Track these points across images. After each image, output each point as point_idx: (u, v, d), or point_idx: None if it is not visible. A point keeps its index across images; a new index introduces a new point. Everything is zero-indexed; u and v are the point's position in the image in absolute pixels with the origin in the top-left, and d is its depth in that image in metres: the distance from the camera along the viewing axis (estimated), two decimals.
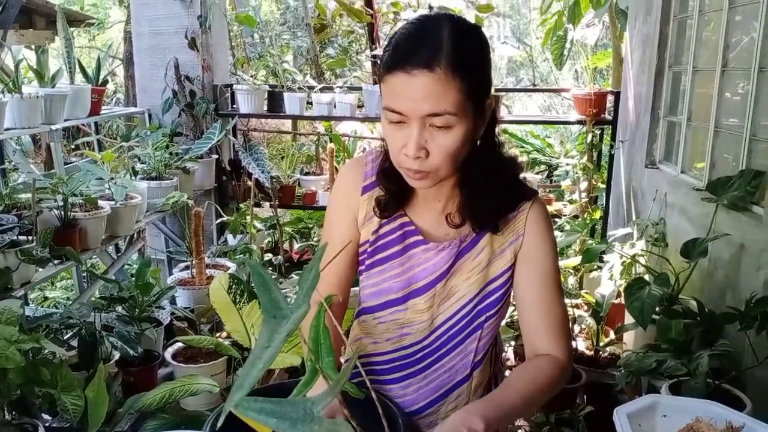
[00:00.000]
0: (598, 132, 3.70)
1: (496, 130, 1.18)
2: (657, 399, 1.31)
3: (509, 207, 1.19)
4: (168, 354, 2.71)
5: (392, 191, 1.20)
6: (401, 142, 1.05)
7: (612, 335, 3.01)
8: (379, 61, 1.09)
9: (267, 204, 3.95)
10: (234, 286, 2.20)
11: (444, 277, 1.20)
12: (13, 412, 1.81)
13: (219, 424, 0.66)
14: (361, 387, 1.24)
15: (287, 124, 7.26)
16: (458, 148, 1.05)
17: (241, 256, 3.34)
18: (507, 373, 1.40)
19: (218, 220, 3.90)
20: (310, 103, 3.99)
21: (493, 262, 1.20)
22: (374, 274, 1.24)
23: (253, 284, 0.72)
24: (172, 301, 3.16)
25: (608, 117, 3.80)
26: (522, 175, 1.25)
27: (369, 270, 1.25)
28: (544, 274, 1.20)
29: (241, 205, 3.84)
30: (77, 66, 3.39)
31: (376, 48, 6.54)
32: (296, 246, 4.29)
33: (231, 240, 3.85)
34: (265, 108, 4.04)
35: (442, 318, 1.23)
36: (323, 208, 4.15)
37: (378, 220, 1.23)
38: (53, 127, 3.02)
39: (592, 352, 2.93)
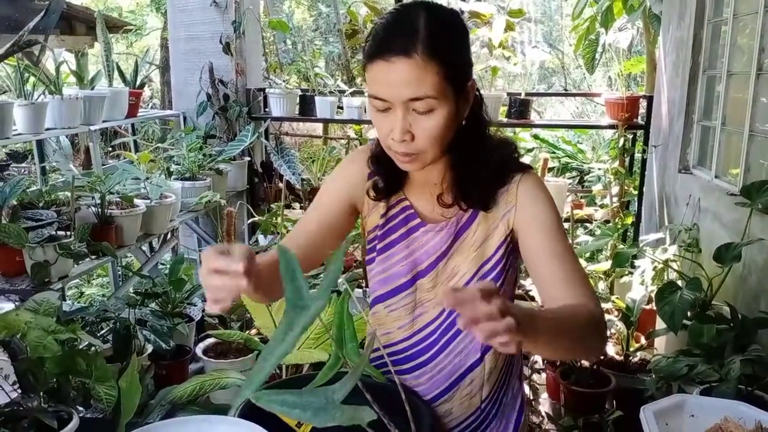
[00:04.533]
0: (630, 136, 3.66)
1: (483, 111, 1.22)
2: (685, 398, 1.30)
3: (498, 183, 1.20)
4: (199, 349, 2.75)
5: (384, 175, 1.25)
6: (388, 127, 1.10)
7: (643, 341, 2.97)
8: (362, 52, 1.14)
9: (297, 205, 4.00)
10: None
11: (445, 257, 1.23)
12: (50, 401, 1.85)
13: (234, 414, 0.67)
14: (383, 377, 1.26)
15: (318, 130, 7.33)
16: (441, 131, 1.09)
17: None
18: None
19: (250, 221, 3.95)
20: (341, 108, 4.03)
21: (488, 240, 1.22)
22: (383, 259, 1.28)
23: (280, 269, 0.73)
24: (204, 299, 3.21)
25: (641, 122, 3.76)
26: (524, 159, 1.30)
27: (380, 255, 1.28)
28: (548, 231, 1.16)
29: (272, 206, 3.89)
30: (116, 69, 3.48)
31: None
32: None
33: (262, 240, 3.89)
34: (297, 111, 4.09)
35: None
36: None
37: (384, 205, 1.28)
38: (92, 128, 3.11)
39: (622, 357, 2.90)
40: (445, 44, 1.07)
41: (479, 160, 1.19)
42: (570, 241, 1.23)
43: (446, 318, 1.26)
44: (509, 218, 1.20)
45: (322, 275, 3.30)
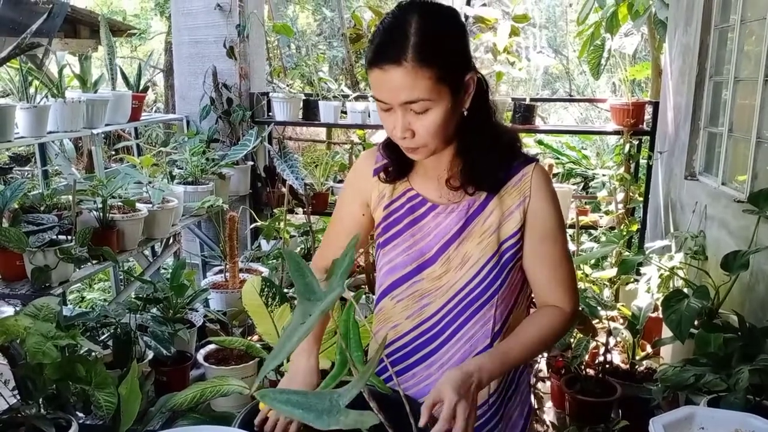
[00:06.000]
0: (635, 143, 3.64)
1: (488, 97, 1.26)
2: (694, 410, 1.28)
3: (506, 167, 1.26)
4: (200, 356, 2.73)
5: (394, 160, 1.31)
6: (391, 124, 1.17)
7: (649, 349, 2.94)
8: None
9: (300, 210, 3.98)
10: (266, 289, 2.21)
11: (456, 240, 1.26)
12: (48, 408, 1.83)
13: (255, 386, 0.67)
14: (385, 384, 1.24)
15: (322, 135, 7.32)
16: (439, 126, 1.15)
17: (274, 261, 3.36)
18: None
19: (252, 226, 3.93)
20: (345, 112, 4.02)
21: (503, 224, 1.26)
22: (389, 250, 1.32)
23: (288, 271, 0.74)
24: (206, 304, 3.19)
25: (646, 128, 3.73)
26: (525, 151, 1.34)
27: (384, 247, 1.33)
28: (550, 232, 1.26)
29: (275, 211, 3.87)
30: (119, 73, 3.47)
31: None
32: None
33: (264, 245, 3.88)
34: (300, 116, 4.08)
35: (460, 284, 1.27)
36: None
37: (388, 196, 1.33)
38: (94, 131, 3.09)
39: (628, 366, 2.87)
40: (437, 48, 1.11)
41: (486, 145, 1.23)
42: (567, 239, 1.32)
43: (454, 306, 1.27)
44: (524, 207, 1.25)
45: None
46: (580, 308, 2.64)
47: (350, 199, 1.41)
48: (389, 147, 1.32)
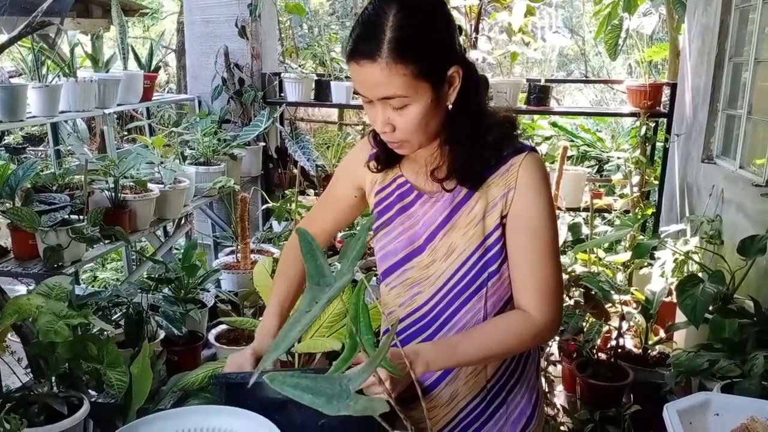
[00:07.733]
0: (652, 125, 3.58)
1: (477, 91, 1.20)
2: (709, 397, 1.26)
3: (491, 162, 1.21)
4: (211, 336, 2.74)
5: (382, 149, 1.28)
6: (373, 117, 1.16)
7: (662, 334, 2.92)
8: None
9: (312, 192, 3.97)
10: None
11: (441, 229, 1.24)
12: (60, 386, 1.85)
13: (250, 383, 0.66)
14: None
15: (333, 116, 7.29)
16: (419, 122, 1.13)
17: (286, 242, 3.35)
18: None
19: (264, 207, 3.93)
20: (357, 93, 3.99)
21: (488, 215, 1.22)
22: (381, 236, 1.32)
23: (300, 251, 0.73)
24: (217, 285, 3.19)
25: (663, 110, 3.68)
26: (521, 137, 1.28)
27: (377, 233, 1.33)
28: (533, 226, 1.20)
29: (286, 192, 3.87)
30: (131, 53, 3.45)
31: None
32: (339, 234, 4.29)
33: (276, 226, 3.88)
34: (312, 97, 4.05)
35: (447, 275, 1.25)
36: None
37: (380, 182, 1.32)
38: (106, 111, 3.09)
39: (640, 351, 2.85)
40: (415, 43, 1.07)
41: (471, 141, 1.19)
42: (555, 239, 1.22)
43: (443, 297, 1.26)
44: (507, 199, 1.21)
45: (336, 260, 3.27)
46: (593, 292, 2.63)
47: (343, 179, 1.42)
48: (378, 135, 1.29)
